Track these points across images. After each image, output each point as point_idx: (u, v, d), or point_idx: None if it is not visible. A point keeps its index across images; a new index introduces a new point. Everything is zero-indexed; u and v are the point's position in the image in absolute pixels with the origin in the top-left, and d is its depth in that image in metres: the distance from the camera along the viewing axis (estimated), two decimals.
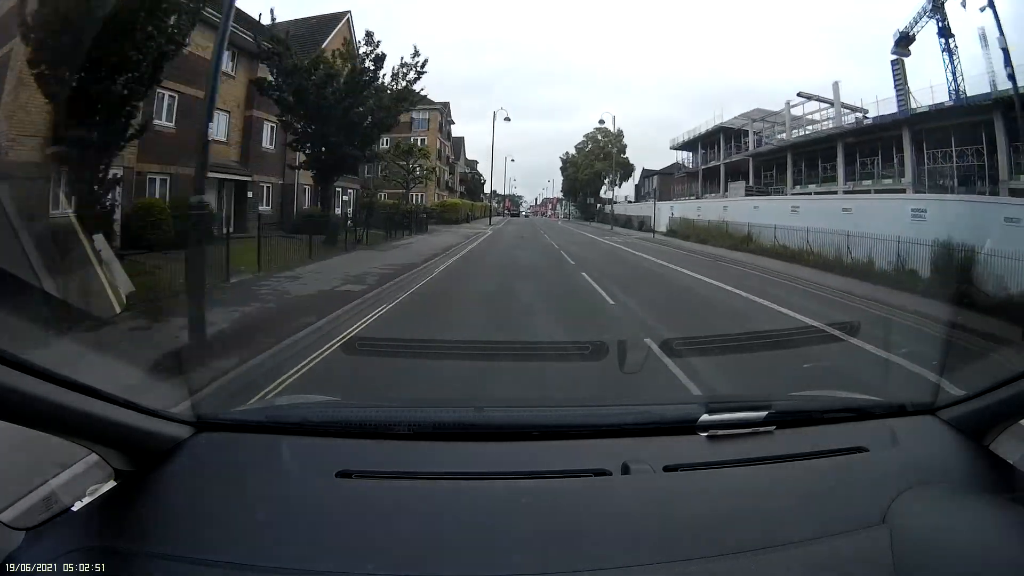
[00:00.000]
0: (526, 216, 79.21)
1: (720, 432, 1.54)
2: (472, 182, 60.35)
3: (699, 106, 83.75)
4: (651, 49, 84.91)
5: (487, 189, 60.30)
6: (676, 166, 52.61)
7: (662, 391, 4.38)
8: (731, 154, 40.84)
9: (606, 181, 53.60)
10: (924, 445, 1.61)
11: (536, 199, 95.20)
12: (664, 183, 53.91)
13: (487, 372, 4.78)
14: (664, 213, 31.99)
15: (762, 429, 1.56)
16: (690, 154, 49.96)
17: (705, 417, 1.55)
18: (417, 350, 4.58)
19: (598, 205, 54.47)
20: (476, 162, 65.18)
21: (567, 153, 58.47)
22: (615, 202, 53.02)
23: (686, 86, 74.16)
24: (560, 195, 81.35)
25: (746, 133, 40.93)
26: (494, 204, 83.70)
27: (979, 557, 1.13)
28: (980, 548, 1.15)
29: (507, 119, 45.46)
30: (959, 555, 1.14)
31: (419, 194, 38.21)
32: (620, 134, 53.83)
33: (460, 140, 59.74)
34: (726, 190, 39.93)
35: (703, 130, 43.38)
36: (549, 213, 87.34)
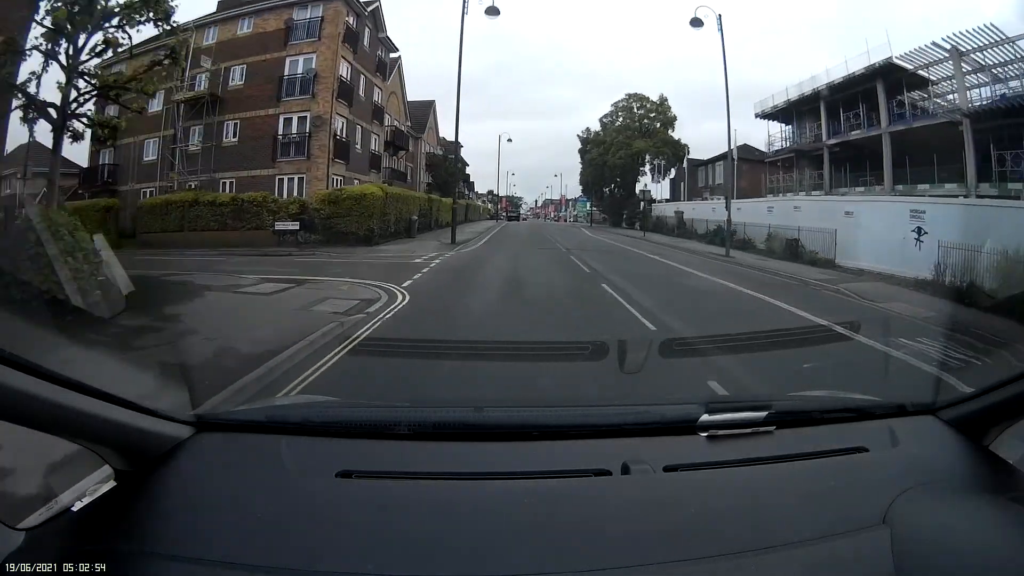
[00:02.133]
0: (525, 219, 63.50)
1: (720, 432, 1.54)
2: (445, 169, 40.73)
3: (700, 106, 72.08)
4: (651, 48, 73.16)
5: (485, 184, 41.10)
6: (747, 149, 34.29)
7: None
8: (906, 117, 22.00)
9: (647, 169, 35.03)
10: (924, 445, 1.61)
11: (536, 200, 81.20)
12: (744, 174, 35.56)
13: None
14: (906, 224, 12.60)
15: (762, 429, 1.56)
16: (788, 128, 31.33)
17: (705, 417, 1.55)
18: None
19: (640, 204, 35.05)
20: (460, 145, 45.47)
21: (588, 131, 39.54)
22: (659, 200, 34.85)
23: (687, 84, 66.36)
24: (567, 193, 64.73)
25: (926, 81, 21.95)
26: (488, 204, 64.30)
27: (979, 557, 1.14)
28: (980, 548, 1.16)
29: (493, 11, 20.72)
30: (959, 555, 1.15)
31: (298, 176, 19.17)
32: (664, 102, 35.42)
33: (429, 105, 40.92)
34: (901, 181, 20.98)
35: (839, 77, 24.60)
36: (553, 216, 71.97)
